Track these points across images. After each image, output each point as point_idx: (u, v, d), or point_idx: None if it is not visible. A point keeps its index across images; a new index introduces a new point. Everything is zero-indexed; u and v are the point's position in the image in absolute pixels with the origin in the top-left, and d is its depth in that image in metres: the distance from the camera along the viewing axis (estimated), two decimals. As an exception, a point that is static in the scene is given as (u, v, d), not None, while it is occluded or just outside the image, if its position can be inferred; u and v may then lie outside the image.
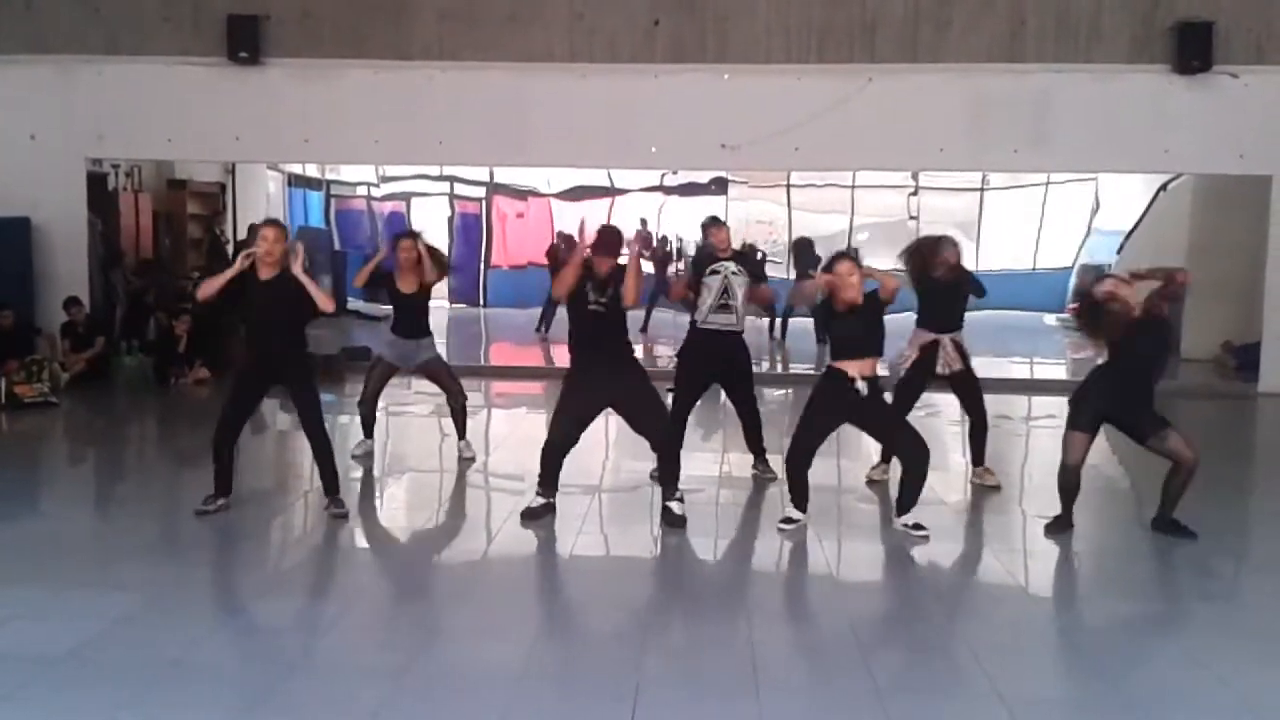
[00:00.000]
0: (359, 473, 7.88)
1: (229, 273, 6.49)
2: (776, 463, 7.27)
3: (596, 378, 6.48)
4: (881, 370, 6.56)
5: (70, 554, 5.97)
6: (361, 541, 6.61)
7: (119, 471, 8.79)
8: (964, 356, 7.51)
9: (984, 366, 12.93)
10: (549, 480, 6.60)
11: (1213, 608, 5.49)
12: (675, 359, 7.80)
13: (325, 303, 6.53)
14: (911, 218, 20.06)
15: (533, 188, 20.81)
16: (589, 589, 5.75)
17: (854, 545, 6.42)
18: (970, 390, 7.60)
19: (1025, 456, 9.42)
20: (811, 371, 12.73)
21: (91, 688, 4.22)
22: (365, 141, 12.58)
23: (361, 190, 21.73)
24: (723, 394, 7.81)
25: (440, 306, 19.78)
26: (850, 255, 6.49)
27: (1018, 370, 13.73)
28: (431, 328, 8.29)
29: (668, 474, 6.61)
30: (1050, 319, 18.85)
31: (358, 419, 8.27)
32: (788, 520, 6.44)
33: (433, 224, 21.14)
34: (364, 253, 20.58)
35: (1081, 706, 4.30)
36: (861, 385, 6.26)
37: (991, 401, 11.59)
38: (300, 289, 6.42)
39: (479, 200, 21.21)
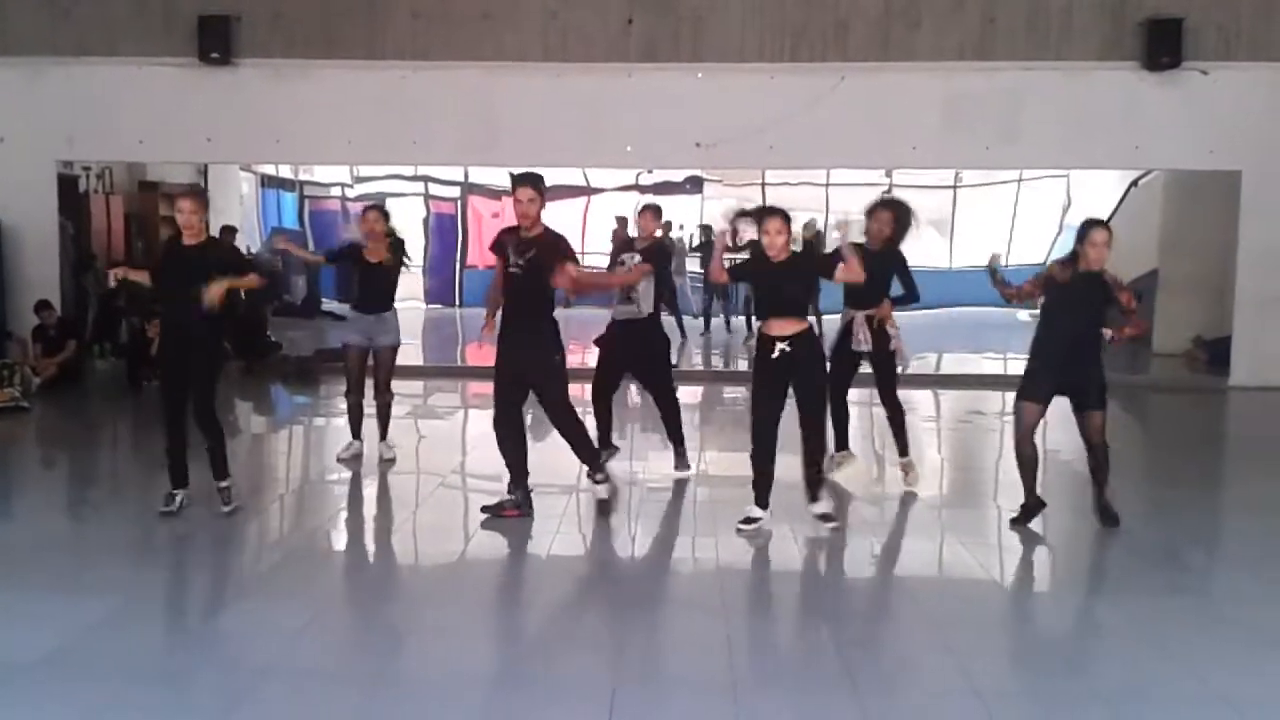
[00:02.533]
0: (345, 474, 7.86)
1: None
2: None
3: (508, 345, 6.46)
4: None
5: (43, 558, 5.91)
6: (336, 544, 6.58)
7: (91, 476, 8.72)
8: (882, 338, 7.29)
9: (957, 362, 13.00)
10: (516, 476, 6.58)
11: (1185, 600, 5.53)
12: (595, 345, 7.84)
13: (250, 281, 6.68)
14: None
15: (508, 187, 20.72)
16: (566, 589, 5.75)
17: (827, 542, 6.42)
18: (883, 376, 7.41)
19: (1000, 452, 9.46)
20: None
21: (65, 693, 4.18)
22: (338, 142, 12.54)
23: (335, 191, 21.63)
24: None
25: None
26: (780, 211, 6.27)
27: (990, 366, 13.80)
28: (394, 307, 8.20)
29: (580, 455, 6.65)
30: (1024, 315, 18.94)
31: (341, 420, 8.22)
32: (747, 520, 6.35)
33: (408, 224, 21.15)
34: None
35: (1056, 700, 4.32)
36: (783, 345, 6.15)
37: (965, 397, 11.74)
38: (223, 260, 6.49)
39: (454, 200, 21.15)
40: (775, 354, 6.19)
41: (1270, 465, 8.89)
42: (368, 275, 8.04)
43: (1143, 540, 6.47)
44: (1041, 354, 6.48)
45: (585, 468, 6.75)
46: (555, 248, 6.42)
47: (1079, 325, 6.32)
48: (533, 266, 6.35)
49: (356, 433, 8.16)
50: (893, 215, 7.30)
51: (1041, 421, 6.47)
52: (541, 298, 6.44)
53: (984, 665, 4.55)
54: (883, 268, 7.24)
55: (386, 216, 8.11)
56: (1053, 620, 5.41)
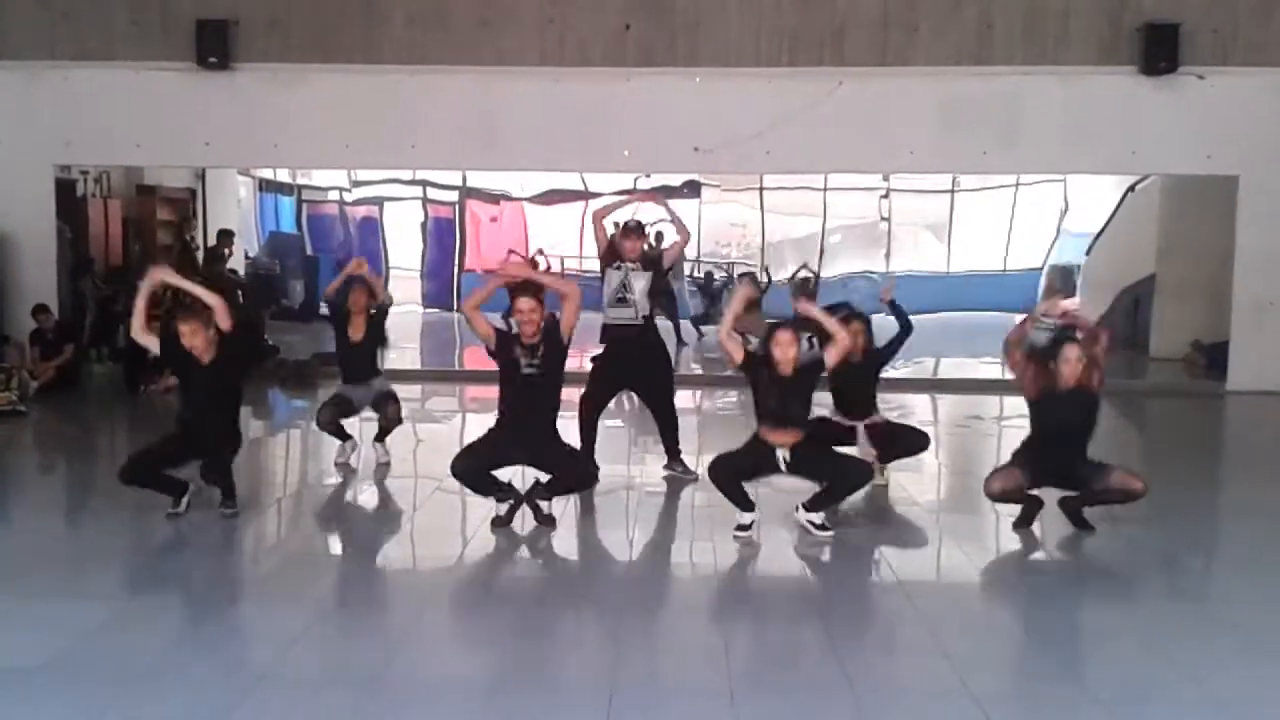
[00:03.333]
0: (344, 479, 7.87)
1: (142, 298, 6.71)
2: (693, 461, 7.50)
3: (519, 439, 6.38)
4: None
5: (40, 564, 5.91)
6: (335, 548, 6.59)
7: (89, 480, 8.70)
8: (882, 441, 7.40)
9: (955, 367, 13.04)
10: (496, 489, 6.53)
11: (1183, 604, 5.54)
12: (590, 362, 7.74)
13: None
14: (883, 219, 20.20)
15: (505, 191, 20.78)
16: (563, 593, 5.75)
17: (825, 546, 6.42)
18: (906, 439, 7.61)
19: (997, 456, 9.46)
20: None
21: (62, 699, 4.18)
22: (336, 146, 12.54)
23: (333, 195, 21.63)
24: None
25: (414, 311, 19.77)
26: (791, 324, 6.29)
27: (988, 370, 13.79)
28: (380, 367, 8.29)
29: (560, 487, 6.57)
30: (1018, 320, 18.94)
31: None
32: (740, 527, 6.32)
33: (405, 228, 21.16)
34: (336, 257, 20.53)
35: (1053, 704, 4.32)
36: (783, 454, 6.18)
37: (963, 402, 11.75)
38: (231, 366, 6.67)
39: (452, 204, 21.16)
40: (779, 463, 6.23)
41: (1268, 469, 8.89)
42: (349, 352, 8.07)
43: (1141, 544, 6.47)
44: (1033, 444, 6.49)
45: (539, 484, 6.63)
46: (555, 333, 6.37)
47: (1068, 428, 6.34)
48: (548, 364, 6.34)
49: (345, 436, 8.18)
50: (864, 325, 7.29)
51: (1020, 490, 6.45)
52: (559, 393, 6.46)
53: (981, 669, 4.54)
54: (869, 372, 7.40)
55: (372, 292, 8.03)
56: (1050, 624, 5.40)
